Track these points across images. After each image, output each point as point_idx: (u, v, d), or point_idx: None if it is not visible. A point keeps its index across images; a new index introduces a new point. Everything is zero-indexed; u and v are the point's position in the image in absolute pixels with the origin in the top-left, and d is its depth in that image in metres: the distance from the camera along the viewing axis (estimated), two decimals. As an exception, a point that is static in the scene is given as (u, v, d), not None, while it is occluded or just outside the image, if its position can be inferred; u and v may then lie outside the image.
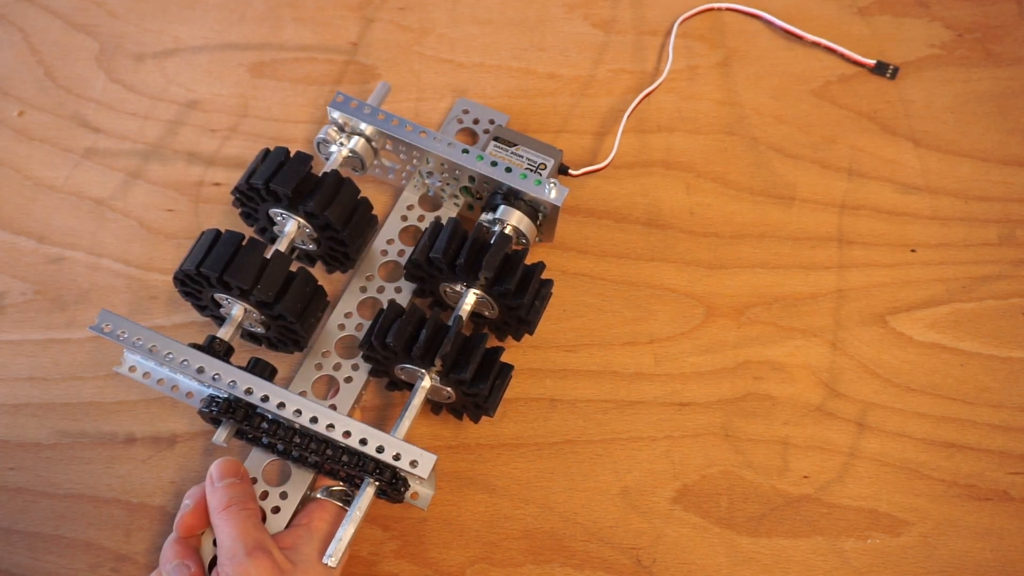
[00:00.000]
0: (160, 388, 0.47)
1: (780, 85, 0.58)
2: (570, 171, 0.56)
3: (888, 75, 0.58)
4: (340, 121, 0.51)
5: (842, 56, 0.59)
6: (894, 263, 0.54)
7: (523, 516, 0.48)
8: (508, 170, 0.49)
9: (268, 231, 0.52)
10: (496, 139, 0.54)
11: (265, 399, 0.43)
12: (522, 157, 0.53)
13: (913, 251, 0.54)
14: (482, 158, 0.49)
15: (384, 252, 0.53)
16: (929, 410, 0.50)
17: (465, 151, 0.50)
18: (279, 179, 0.46)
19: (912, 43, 0.59)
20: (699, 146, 0.57)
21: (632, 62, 0.59)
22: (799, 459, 0.49)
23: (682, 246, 0.54)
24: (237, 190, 0.49)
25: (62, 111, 0.58)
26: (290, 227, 0.49)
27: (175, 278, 0.47)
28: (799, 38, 0.59)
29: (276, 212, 0.49)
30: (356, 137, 0.51)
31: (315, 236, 0.50)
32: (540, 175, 0.50)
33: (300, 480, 0.47)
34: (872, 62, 0.58)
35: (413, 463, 0.42)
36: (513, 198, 0.50)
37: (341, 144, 0.51)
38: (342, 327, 0.51)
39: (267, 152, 0.49)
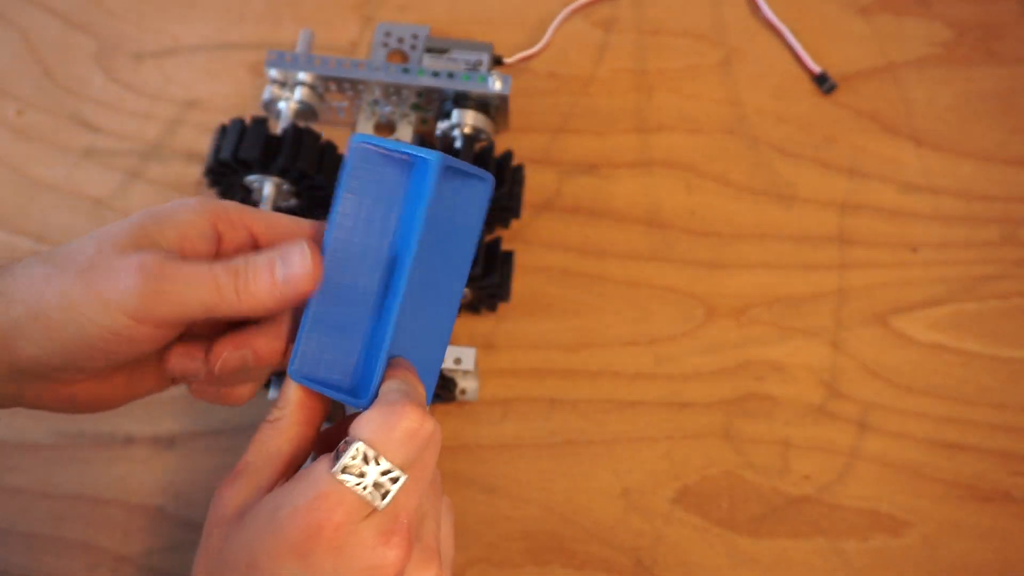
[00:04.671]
0: None
1: (780, 84, 0.58)
2: (504, 60, 0.58)
3: (824, 88, 0.57)
4: (280, 78, 0.53)
5: (795, 55, 0.59)
6: (895, 263, 0.53)
7: (523, 517, 0.48)
8: (451, 75, 0.51)
9: (247, 200, 0.53)
10: (428, 50, 0.56)
11: None
12: (457, 60, 0.55)
13: (914, 251, 0.54)
14: (423, 72, 0.51)
15: None
16: (930, 410, 0.50)
17: (405, 70, 0.51)
18: (245, 147, 0.49)
19: (913, 42, 0.59)
20: (699, 146, 0.57)
21: (632, 62, 0.59)
22: (800, 460, 0.49)
23: (682, 246, 0.54)
24: (209, 170, 0.51)
25: (61, 110, 0.58)
26: (268, 189, 0.50)
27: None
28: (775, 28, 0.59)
29: (251, 179, 0.50)
30: (299, 87, 0.53)
31: (294, 190, 0.51)
32: (480, 72, 0.52)
33: None
34: (818, 70, 0.58)
35: (457, 360, 0.47)
36: (462, 100, 0.51)
37: (287, 99, 0.53)
38: None
39: (224, 128, 0.50)
